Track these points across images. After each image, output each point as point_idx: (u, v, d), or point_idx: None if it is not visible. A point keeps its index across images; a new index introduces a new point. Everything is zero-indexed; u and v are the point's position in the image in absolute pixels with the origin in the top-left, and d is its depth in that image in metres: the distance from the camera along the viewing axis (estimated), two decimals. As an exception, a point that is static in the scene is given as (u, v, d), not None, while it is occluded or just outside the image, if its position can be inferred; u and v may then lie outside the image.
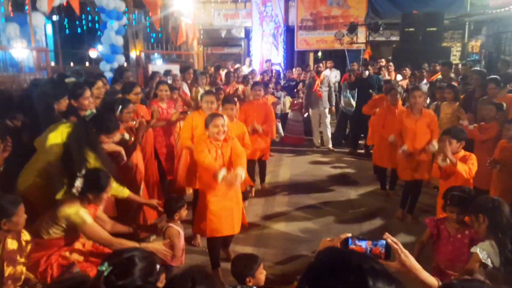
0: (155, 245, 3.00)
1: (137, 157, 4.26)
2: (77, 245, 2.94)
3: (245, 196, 5.32)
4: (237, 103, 5.73)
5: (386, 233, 1.53)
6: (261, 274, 2.65)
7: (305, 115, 8.99)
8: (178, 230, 3.31)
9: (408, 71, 8.46)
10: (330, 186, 6.45)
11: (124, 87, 4.94)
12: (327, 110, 8.59)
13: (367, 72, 8.27)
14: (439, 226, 3.10)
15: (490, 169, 4.42)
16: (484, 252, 2.50)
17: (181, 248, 3.34)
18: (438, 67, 8.11)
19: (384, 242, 1.51)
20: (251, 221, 5.10)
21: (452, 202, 2.97)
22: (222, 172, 3.54)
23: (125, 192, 3.49)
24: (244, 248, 4.41)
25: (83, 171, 2.97)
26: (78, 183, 2.86)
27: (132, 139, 4.15)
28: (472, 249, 2.58)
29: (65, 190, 2.99)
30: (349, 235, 1.53)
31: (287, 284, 3.74)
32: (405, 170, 5.07)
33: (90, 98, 3.98)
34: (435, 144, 4.75)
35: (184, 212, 3.40)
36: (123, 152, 3.79)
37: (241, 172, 3.61)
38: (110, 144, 3.71)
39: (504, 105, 4.81)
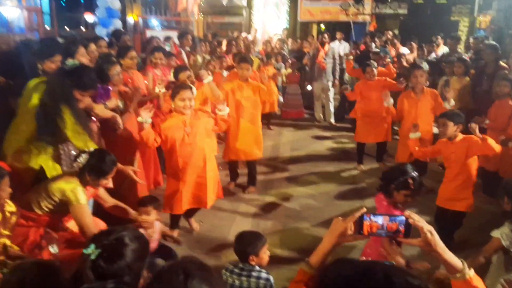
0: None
1: (132, 126, 4.03)
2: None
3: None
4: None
5: (407, 211, 1.42)
6: (265, 254, 2.49)
7: (309, 88, 8.69)
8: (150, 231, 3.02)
9: (414, 45, 8.16)
10: (331, 161, 6.28)
11: (118, 51, 4.67)
12: (330, 84, 8.27)
13: (373, 45, 7.98)
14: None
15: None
16: (506, 236, 2.35)
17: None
18: (440, 41, 7.83)
19: (403, 218, 1.41)
20: (251, 195, 4.95)
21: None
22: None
23: (92, 145, 3.04)
24: (243, 224, 4.26)
25: (91, 148, 2.75)
26: (82, 159, 2.64)
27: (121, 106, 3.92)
28: (493, 233, 2.43)
29: (51, 154, 2.77)
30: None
31: (286, 261, 3.61)
32: (404, 153, 4.85)
33: (86, 56, 3.73)
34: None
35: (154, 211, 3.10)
36: (119, 119, 3.55)
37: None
38: (105, 109, 3.48)
39: None
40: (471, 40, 7.98)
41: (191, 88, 3.67)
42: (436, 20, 9.49)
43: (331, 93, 8.39)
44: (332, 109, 8.44)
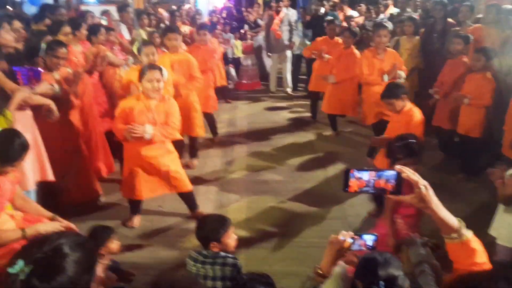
0: (48, 225, 2.23)
1: (73, 112, 3.65)
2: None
3: (193, 154, 4.91)
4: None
5: (399, 165, 1.29)
6: (230, 239, 2.29)
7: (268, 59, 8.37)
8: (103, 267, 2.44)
9: (363, 7, 8.08)
10: (290, 131, 6.14)
11: (50, 26, 4.19)
12: (288, 53, 7.97)
13: (322, 9, 7.79)
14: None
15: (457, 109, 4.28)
16: None
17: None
18: (390, 2, 7.79)
19: (394, 173, 1.29)
20: (211, 173, 4.73)
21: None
22: (148, 130, 3.17)
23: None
24: (205, 203, 4.04)
25: None
26: None
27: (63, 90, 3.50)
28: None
29: None
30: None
31: (256, 240, 3.46)
32: (370, 114, 4.78)
33: (11, 33, 3.27)
34: (401, 74, 4.48)
35: (112, 245, 2.51)
36: (53, 106, 3.14)
37: (149, 129, 3.19)
38: (36, 96, 3.07)
39: (471, 37, 4.58)
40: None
41: (160, 69, 3.32)
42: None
43: (289, 63, 8.16)
44: (289, 78, 8.24)
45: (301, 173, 4.74)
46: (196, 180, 4.51)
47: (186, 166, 4.58)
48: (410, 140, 2.72)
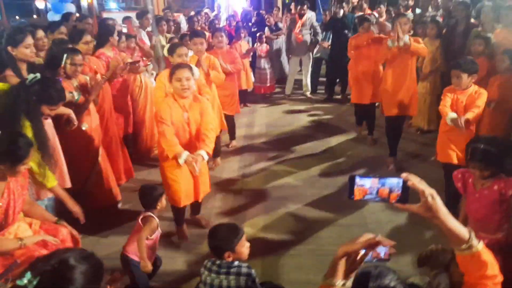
0: (45, 237, 2.37)
1: (91, 119, 3.70)
2: (21, 227, 2.42)
3: (216, 153, 4.81)
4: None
5: (405, 173, 1.23)
6: (243, 247, 2.27)
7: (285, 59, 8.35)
8: (157, 223, 2.79)
9: (383, 8, 7.94)
10: (309, 135, 6.09)
11: (71, 35, 4.26)
12: (308, 56, 7.94)
13: (341, 11, 7.72)
14: (466, 179, 2.60)
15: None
16: None
17: (154, 243, 2.83)
18: (410, 2, 7.63)
19: (400, 181, 1.23)
20: (228, 177, 4.73)
21: (473, 157, 2.44)
22: (184, 156, 3.13)
23: (50, 182, 2.80)
24: (222, 209, 4.05)
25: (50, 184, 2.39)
26: None
27: (82, 97, 3.56)
28: None
29: None
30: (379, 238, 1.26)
31: (272, 246, 3.43)
32: (389, 105, 4.70)
33: (33, 47, 3.34)
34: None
35: (164, 201, 2.89)
36: (72, 115, 3.21)
37: (204, 154, 3.22)
38: (61, 107, 3.14)
39: (492, 37, 4.43)
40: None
41: (190, 67, 3.29)
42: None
43: (309, 66, 8.13)
44: (309, 81, 8.20)
45: (320, 178, 4.68)
46: (214, 184, 4.52)
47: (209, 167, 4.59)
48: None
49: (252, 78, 8.27)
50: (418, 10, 7.39)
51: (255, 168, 5.03)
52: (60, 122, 3.21)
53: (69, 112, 3.19)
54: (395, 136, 4.81)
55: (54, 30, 4.49)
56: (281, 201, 4.17)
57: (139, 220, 2.76)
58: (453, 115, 3.45)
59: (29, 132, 2.59)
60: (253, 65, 8.11)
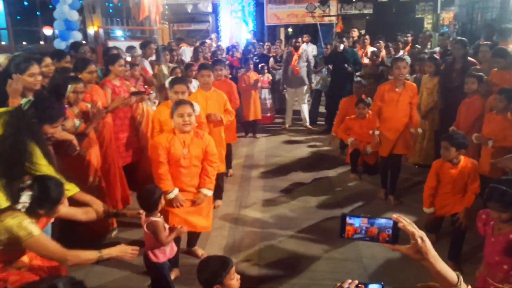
0: (121, 248, 2.53)
1: (91, 146, 3.74)
2: (22, 259, 2.44)
3: (218, 194, 4.74)
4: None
5: (395, 214, 1.27)
6: (232, 280, 2.24)
7: (283, 92, 8.50)
8: (163, 222, 2.93)
9: (382, 44, 8.14)
10: (307, 166, 6.12)
11: (76, 64, 4.36)
12: (305, 87, 8.12)
13: (341, 46, 7.88)
14: (489, 221, 2.48)
15: (476, 148, 4.20)
16: None
17: (168, 241, 2.96)
18: (409, 38, 7.82)
19: (389, 222, 1.26)
20: (226, 208, 4.72)
21: (492, 197, 2.32)
22: (172, 195, 3.24)
23: (72, 189, 2.88)
24: (218, 238, 4.03)
25: (28, 182, 2.43)
26: (25, 197, 2.28)
27: (83, 124, 3.61)
28: None
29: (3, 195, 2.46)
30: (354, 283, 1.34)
31: (265, 279, 3.40)
32: (383, 145, 4.78)
33: (38, 76, 3.41)
34: (419, 130, 4.59)
35: (163, 200, 3.01)
36: (75, 141, 3.27)
37: (207, 192, 3.41)
38: (61, 132, 3.19)
39: (483, 75, 4.53)
40: (437, 36, 8.03)
41: (191, 104, 3.38)
42: (401, 19, 9.54)
43: (306, 97, 8.26)
44: (307, 112, 8.31)
45: (317, 210, 4.68)
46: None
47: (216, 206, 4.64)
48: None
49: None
50: (418, 46, 7.56)
51: (252, 197, 5.03)
52: (63, 148, 3.24)
53: (72, 138, 3.25)
54: (392, 173, 4.85)
55: (60, 59, 4.55)
56: (276, 232, 4.15)
57: (145, 228, 2.89)
58: (429, 211, 3.71)
59: (39, 155, 2.61)
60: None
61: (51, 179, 2.43)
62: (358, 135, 5.53)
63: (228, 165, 5.70)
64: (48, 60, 4.15)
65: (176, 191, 3.29)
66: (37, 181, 2.40)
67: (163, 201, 2.98)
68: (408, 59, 4.71)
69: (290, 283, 3.35)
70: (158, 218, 2.92)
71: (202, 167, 3.43)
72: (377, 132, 4.75)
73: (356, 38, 9.07)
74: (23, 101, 2.69)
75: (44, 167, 2.63)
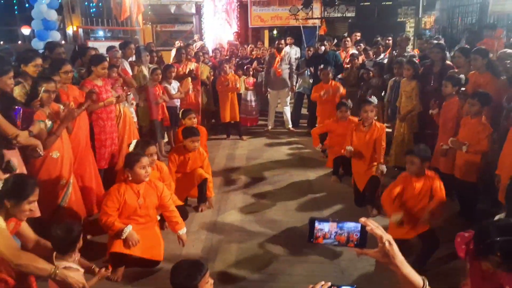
0: (74, 275, 2.39)
1: (63, 147, 3.66)
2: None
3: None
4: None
5: (363, 218, 1.28)
6: (207, 284, 2.21)
7: (266, 94, 8.48)
8: (80, 273, 2.51)
9: (362, 47, 8.17)
10: (288, 168, 6.10)
11: (51, 64, 4.26)
12: (287, 89, 8.12)
13: (323, 48, 7.90)
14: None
15: (454, 152, 4.23)
16: None
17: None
18: (390, 42, 7.86)
19: (357, 226, 1.27)
20: (204, 211, 4.67)
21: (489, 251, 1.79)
22: (128, 229, 3.21)
23: None
24: (195, 243, 3.98)
25: (5, 176, 2.40)
26: None
27: (55, 125, 3.53)
28: None
29: None
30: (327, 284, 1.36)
31: (243, 283, 3.36)
32: (357, 181, 4.78)
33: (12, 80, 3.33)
34: (383, 169, 4.51)
35: (81, 241, 2.60)
36: (40, 146, 3.20)
37: (183, 232, 3.55)
38: (29, 138, 3.11)
39: (463, 78, 4.57)
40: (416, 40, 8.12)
41: (144, 155, 3.50)
42: (383, 22, 9.59)
43: (288, 99, 8.27)
44: (289, 115, 8.31)
45: (296, 212, 4.66)
46: (188, 219, 4.46)
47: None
48: None
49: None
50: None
51: (231, 200, 4.99)
52: (26, 151, 3.17)
53: (37, 143, 3.16)
54: (370, 191, 4.72)
55: (27, 63, 4.24)
56: (254, 236, 4.12)
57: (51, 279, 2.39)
58: (397, 217, 3.41)
59: None
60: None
61: (31, 178, 2.45)
62: (340, 137, 5.49)
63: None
64: (39, 60, 4.04)
65: (130, 228, 3.22)
66: (15, 175, 2.45)
67: (81, 242, 2.58)
68: (374, 101, 4.74)
69: (266, 286, 3.32)
70: (72, 264, 2.49)
71: (168, 215, 3.56)
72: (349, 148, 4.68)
73: (358, 40, 8.88)
74: None
75: None
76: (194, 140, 4.51)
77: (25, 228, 2.56)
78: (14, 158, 2.94)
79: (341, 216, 4.48)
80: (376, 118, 4.74)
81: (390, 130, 5.86)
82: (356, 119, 5.03)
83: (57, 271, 2.29)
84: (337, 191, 5.27)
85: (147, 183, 3.45)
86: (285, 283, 3.36)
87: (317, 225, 1.29)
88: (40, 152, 3.15)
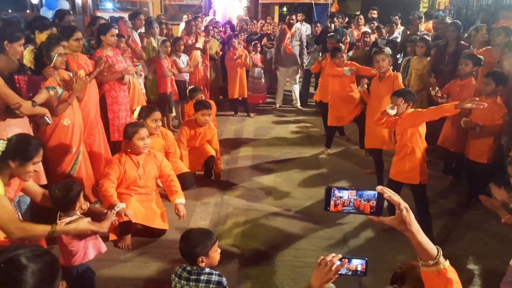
0: (79, 224, 2.40)
1: (74, 115, 3.64)
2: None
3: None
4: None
5: (380, 186, 1.30)
6: (216, 253, 2.23)
7: (275, 71, 8.37)
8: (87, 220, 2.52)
9: (375, 24, 8.03)
10: (296, 146, 6.09)
11: (62, 31, 4.21)
12: (296, 67, 7.97)
13: (332, 26, 7.78)
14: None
15: (466, 132, 4.17)
16: None
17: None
18: (398, 20, 7.71)
19: (375, 194, 1.29)
20: (211, 185, 4.68)
21: None
22: (118, 208, 3.09)
23: None
24: (202, 215, 4.00)
25: (9, 135, 2.39)
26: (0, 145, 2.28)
27: (66, 92, 3.50)
28: None
29: None
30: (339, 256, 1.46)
31: (250, 256, 3.38)
32: (368, 137, 4.75)
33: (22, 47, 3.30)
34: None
35: (82, 199, 2.57)
36: (48, 114, 3.18)
37: (182, 201, 3.51)
38: (30, 108, 3.06)
39: (482, 58, 4.48)
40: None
41: (143, 126, 3.51)
42: (397, 0, 9.38)
43: (297, 76, 8.16)
44: (298, 93, 8.23)
45: (303, 189, 4.66)
46: (195, 192, 4.48)
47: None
48: None
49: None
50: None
51: (238, 176, 4.99)
52: (35, 119, 3.15)
53: (45, 112, 3.14)
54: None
55: (42, 30, 4.21)
56: (261, 211, 4.13)
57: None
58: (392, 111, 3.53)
59: None
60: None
61: (35, 138, 2.43)
62: (338, 82, 5.45)
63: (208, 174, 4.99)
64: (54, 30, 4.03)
65: (122, 205, 3.15)
66: (19, 135, 2.41)
67: (81, 200, 2.55)
68: (387, 50, 4.66)
69: (273, 259, 3.34)
70: (73, 217, 2.48)
71: (168, 184, 3.59)
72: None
73: (374, 17, 8.74)
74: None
75: None
76: (205, 113, 4.48)
77: (30, 184, 2.56)
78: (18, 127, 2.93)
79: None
80: (391, 68, 4.62)
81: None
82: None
83: (56, 229, 2.32)
84: (344, 169, 5.26)
85: (147, 154, 3.48)
86: (292, 256, 3.38)
87: (337, 193, 1.29)
88: (48, 120, 3.13)
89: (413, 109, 3.54)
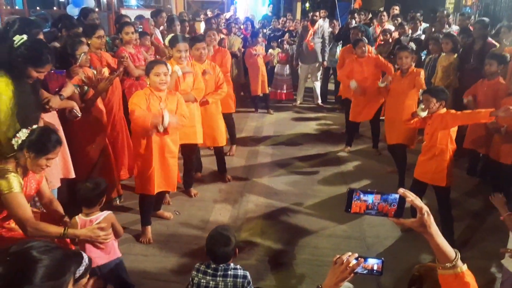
0: (86, 230, 2.45)
1: (98, 112, 3.73)
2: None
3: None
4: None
5: (402, 189, 1.32)
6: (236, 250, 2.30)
7: (297, 68, 8.34)
8: (111, 217, 2.63)
9: (399, 21, 7.87)
10: (316, 142, 6.09)
11: (85, 29, 4.31)
12: (318, 64, 7.93)
13: (353, 22, 7.68)
14: None
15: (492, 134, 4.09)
16: None
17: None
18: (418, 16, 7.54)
19: (396, 196, 1.31)
20: (231, 181, 4.72)
21: None
22: (166, 116, 3.30)
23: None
24: (222, 212, 4.05)
25: (33, 126, 2.47)
26: (21, 133, 2.37)
27: (90, 90, 3.59)
28: None
29: None
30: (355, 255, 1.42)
31: (267, 253, 3.41)
32: (390, 133, 4.67)
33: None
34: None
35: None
36: (76, 107, 3.25)
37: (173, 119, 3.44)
38: (59, 101, 3.14)
39: (508, 57, 4.36)
40: (457, 17, 7.75)
41: (165, 63, 3.50)
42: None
43: (319, 74, 8.11)
44: (319, 90, 8.19)
45: (322, 187, 4.65)
46: (215, 189, 4.53)
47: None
48: None
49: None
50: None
51: (258, 172, 5.02)
52: (64, 113, 3.24)
53: (73, 105, 3.22)
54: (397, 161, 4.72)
55: (69, 29, 4.36)
56: (280, 207, 4.15)
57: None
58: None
59: (4, 90, 2.54)
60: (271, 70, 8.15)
61: (55, 134, 2.49)
62: (359, 74, 5.37)
63: (232, 139, 5.57)
64: (101, 31, 4.17)
65: (166, 114, 3.33)
66: (41, 128, 2.48)
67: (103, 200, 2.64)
68: (412, 46, 4.61)
69: (291, 257, 3.36)
70: (101, 213, 2.58)
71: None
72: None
73: (363, 16, 8.65)
74: (17, 38, 2.60)
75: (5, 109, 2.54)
76: (199, 47, 4.32)
77: (43, 184, 2.64)
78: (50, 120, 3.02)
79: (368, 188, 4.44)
80: (413, 65, 4.57)
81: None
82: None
83: (68, 232, 2.37)
84: (364, 167, 5.22)
85: (168, 92, 3.52)
86: (310, 255, 3.39)
87: (362, 196, 1.32)
88: (78, 113, 3.22)
89: (445, 109, 3.47)
